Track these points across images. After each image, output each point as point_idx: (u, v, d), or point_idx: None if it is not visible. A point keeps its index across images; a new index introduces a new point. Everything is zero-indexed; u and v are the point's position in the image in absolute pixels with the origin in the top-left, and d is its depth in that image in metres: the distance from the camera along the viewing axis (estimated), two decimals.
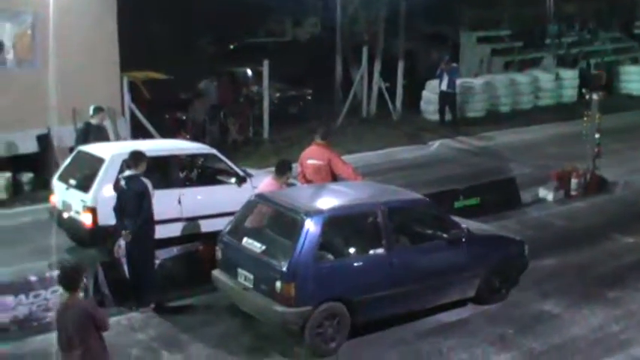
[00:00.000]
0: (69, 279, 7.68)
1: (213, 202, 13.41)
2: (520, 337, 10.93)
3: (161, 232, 12.11)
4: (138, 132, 19.66)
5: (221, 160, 14.21)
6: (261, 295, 10.33)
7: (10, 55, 17.60)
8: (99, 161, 12.99)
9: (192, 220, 13.35)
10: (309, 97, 25.85)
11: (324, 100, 26.15)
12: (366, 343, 10.64)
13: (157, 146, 14.87)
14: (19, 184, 17.31)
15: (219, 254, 11.33)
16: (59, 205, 13.57)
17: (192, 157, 14.58)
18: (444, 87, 24.59)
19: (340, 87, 27.68)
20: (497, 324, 11.33)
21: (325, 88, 27.05)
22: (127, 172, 11.71)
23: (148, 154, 12.02)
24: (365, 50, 25.43)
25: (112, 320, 11.06)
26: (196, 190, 13.75)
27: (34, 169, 17.54)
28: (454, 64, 25.74)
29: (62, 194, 13.46)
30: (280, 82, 24.85)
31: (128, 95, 19.93)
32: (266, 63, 22.48)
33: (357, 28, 27.50)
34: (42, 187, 16.66)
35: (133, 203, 11.45)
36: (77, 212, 12.95)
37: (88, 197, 12.67)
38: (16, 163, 17.44)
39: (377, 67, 25.91)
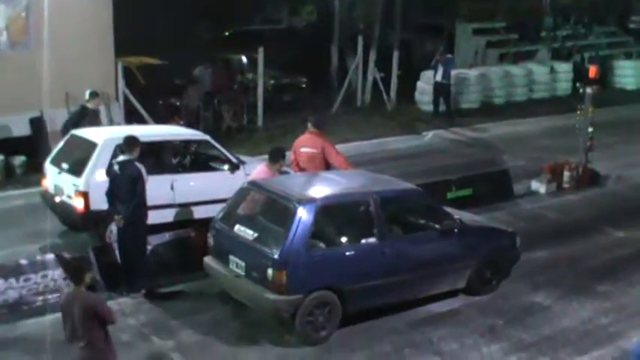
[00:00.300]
0: (74, 272, 7.69)
1: (206, 189, 13.40)
2: (510, 329, 10.97)
3: (153, 217, 12.08)
4: (132, 117, 19.61)
5: (214, 147, 14.17)
6: (253, 282, 10.32)
7: (3, 37, 17.48)
8: (92, 145, 12.95)
9: (185, 207, 13.34)
10: (304, 86, 25.79)
11: (319, 89, 26.11)
12: (357, 332, 10.66)
13: (150, 131, 14.85)
14: (11, 168, 17.25)
15: (211, 241, 11.33)
16: (51, 189, 13.53)
17: (186, 143, 14.54)
18: (438, 78, 24.55)
19: (335, 76, 27.65)
20: (488, 315, 11.36)
21: (320, 77, 27.01)
22: (121, 157, 11.68)
23: (141, 139, 11.99)
24: (360, 39, 25.39)
25: None
26: (189, 176, 13.74)
27: (27, 152, 17.48)
28: (449, 55, 25.70)
29: (54, 178, 13.41)
30: (275, 69, 24.79)
31: (122, 80, 19.87)
32: (261, 50, 22.42)
33: (353, 17, 27.45)
34: (34, 171, 16.62)
35: (125, 188, 11.43)
36: (69, 196, 12.91)
37: (80, 182, 12.63)
38: (8, 146, 17.36)
39: (372, 56, 25.86)
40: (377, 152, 20.60)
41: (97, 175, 12.55)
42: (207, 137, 14.37)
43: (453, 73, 25.30)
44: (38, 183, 14.48)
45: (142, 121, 19.37)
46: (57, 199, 13.32)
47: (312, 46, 28.50)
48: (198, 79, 22.93)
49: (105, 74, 18.83)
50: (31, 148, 17.48)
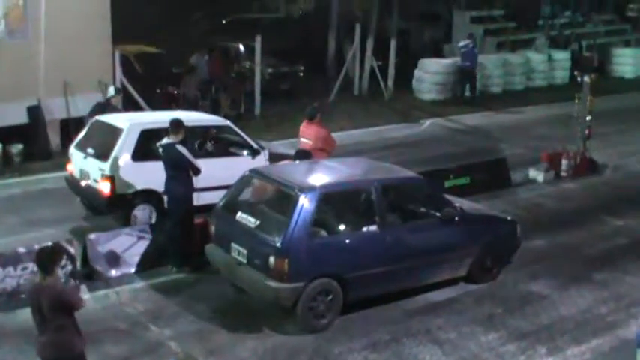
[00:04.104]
0: (44, 260, 7.49)
1: (227, 174, 13.33)
2: (508, 317, 10.96)
3: None
4: (129, 106, 19.54)
5: (235, 133, 14.35)
6: (255, 270, 10.32)
7: (1, 26, 17.40)
8: (117, 131, 13.22)
9: (205, 192, 13.28)
10: (301, 74, 25.80)
11: (316, 77, 26.08)
12: (355, 320, 10.66)
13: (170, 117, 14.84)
14: (8, 156, 17.21)
15: (212, 228, 11.33)
16: (77, 174, 13.79)
17: (206, 129, 14.53)
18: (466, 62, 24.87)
19: (332, 64, 27.60)
20: (486, 304, 11.37)
21: (318, 65, 26.96)
22: (164, 141, 11.98)
23: (162, 125, 12.33)
24: (358, 28, 25.35)
25: (100, 294, 11.22)
26: (210, 161, 13.66)
27: (24, 140, 17.45)
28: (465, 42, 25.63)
29: (80, 163, 13.66)
30: (272, 58, 24.77)
31: (120, 68, 19.84)
32: (258, 38, 22.40)
33: (350, 4, 27.40)
34: (32, 159, 16.60)
35: (170, 169, 11.95)
36: (95, 181, 13.16)
37: (107, 166, 12.90)
38: (5, 134, 17.32)
39: (369, 44, 25.84)
40: (374, 141, 20.61)
41: (122, 160, 12.87)
42: (228, 123, 14.59)
43: (451, 61, 25.32)
44: (35, 171, 14.51)
45: (139, 109, 19.32)
46: (83, 184, 13.58)
47: (309, 35, 28.46)
48: (195, 67, 22.87)
49: (102, 62, 18.79)
50: (28, 137, 17.46)
